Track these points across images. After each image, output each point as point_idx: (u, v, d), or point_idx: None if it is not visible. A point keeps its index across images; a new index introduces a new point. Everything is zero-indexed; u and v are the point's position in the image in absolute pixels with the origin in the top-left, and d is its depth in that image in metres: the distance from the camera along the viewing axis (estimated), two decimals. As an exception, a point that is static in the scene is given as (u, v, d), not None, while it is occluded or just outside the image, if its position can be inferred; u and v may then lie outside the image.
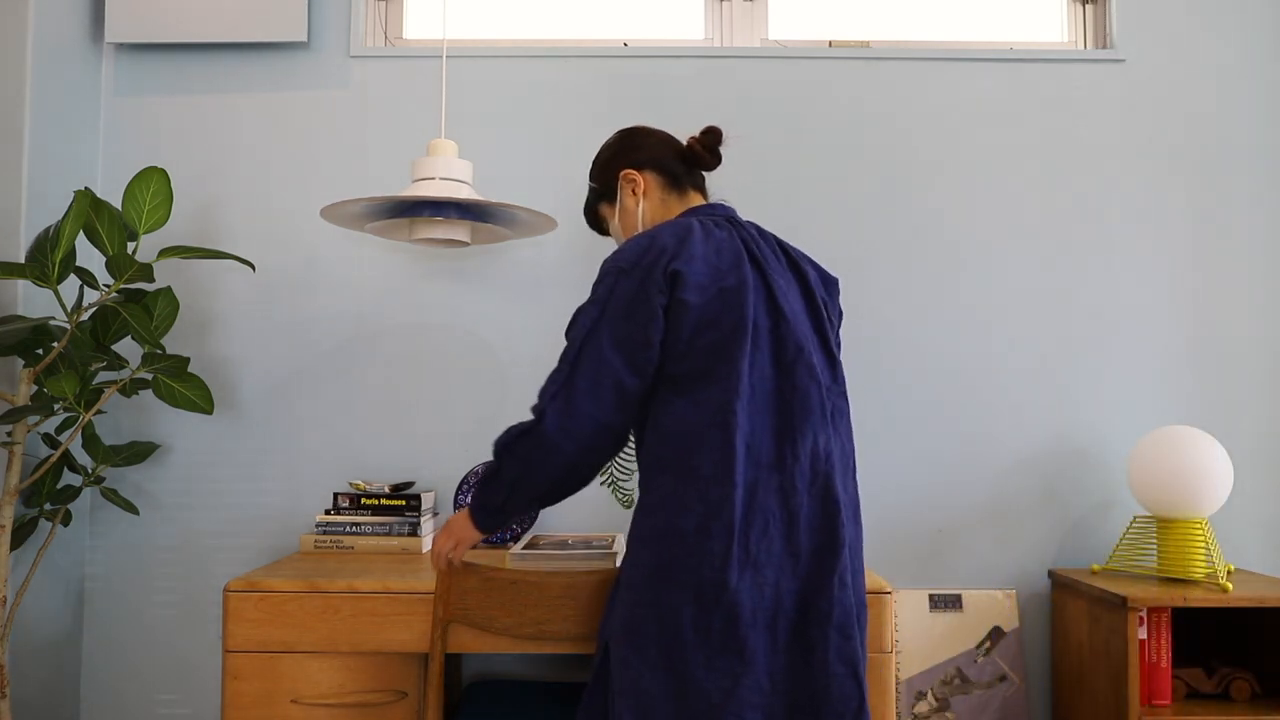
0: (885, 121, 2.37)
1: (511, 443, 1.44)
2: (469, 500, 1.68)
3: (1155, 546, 2.10)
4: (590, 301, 1.44)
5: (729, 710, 1.33)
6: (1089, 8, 2.47)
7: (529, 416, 2.32)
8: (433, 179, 1.89)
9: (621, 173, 1.63)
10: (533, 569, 1.64)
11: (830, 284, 1.60)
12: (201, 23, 2.28)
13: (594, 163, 1.71)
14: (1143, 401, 2.32)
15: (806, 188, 2.36)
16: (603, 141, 2.35)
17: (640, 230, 1.61)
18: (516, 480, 1.45)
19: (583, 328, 1.42)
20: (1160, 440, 2.07)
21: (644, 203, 1.62)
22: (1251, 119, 2.36)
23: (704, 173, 1.68)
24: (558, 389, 1.40)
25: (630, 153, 1.64)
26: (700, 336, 1.39)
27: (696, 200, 1.65)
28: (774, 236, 1.59)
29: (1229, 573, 2.14)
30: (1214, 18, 2.38)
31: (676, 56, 2.38)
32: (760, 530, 1.37)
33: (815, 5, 2.50)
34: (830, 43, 2.45)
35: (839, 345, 1.56)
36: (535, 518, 2.26)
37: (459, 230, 2.00)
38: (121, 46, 2.38)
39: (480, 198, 1.86)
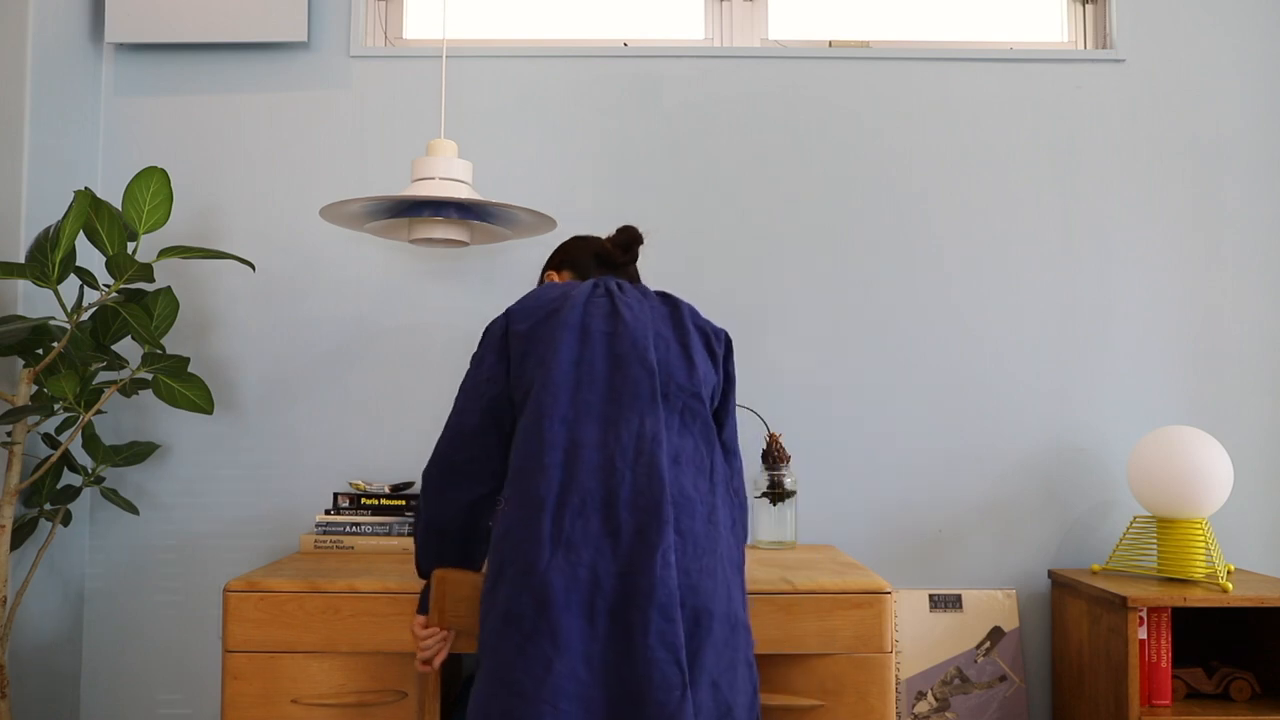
0: (885, 121, 2.37)
1: (423, 485, 1.58)
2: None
3: (1155, 546, 2.10)
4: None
5: (542, 699, 1.27)
6: (1089, 8, 2.47)
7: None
8: (432, 179, 1.89)
9: (545, 274, 1.79)
10: None
11: (713, 328, 1.61)
12: (201, 23, 2.28)
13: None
14: (1143, 401, 2.32)
15: (806, 188, 2.35)
16: (602, 141, 2.36)
17: None
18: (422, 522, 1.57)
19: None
20: (1160, 440, 2.07)
21: None
22: (1251, 119, 2.36)
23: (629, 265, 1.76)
24: (447, 431, 1.56)
25: (555, 255, 1.79)
26: (526, 357, 1.49)
27: None
28: (665, 293, 1.62)
29: (1229, 573, 2.14)
30: (1214, 18, 2.38)
31: (676, 56, 2.38)
32: (576, 510, 1.35)
33: (815, 5, 2.50)
34: (830, 43, 2.45)
35: (713, 370, 1.56)
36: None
37: (459, 230, 2.00)
38: (121, 46, 2.38)
39: (480, 198, 1.86)
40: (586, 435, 1.40)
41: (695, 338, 1.54)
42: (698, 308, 2.29)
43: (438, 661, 1.55)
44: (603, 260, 1.72)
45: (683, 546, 1.35)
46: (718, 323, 2.27)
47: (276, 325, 2.34)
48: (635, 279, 1.76)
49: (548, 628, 1.29)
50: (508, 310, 1.55)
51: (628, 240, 1.71)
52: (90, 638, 2.30)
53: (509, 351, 1.52)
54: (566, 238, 1.84)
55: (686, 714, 1.27)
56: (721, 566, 1.40)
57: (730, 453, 1.60)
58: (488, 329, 1.56)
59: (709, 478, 1.46)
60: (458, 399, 1.54)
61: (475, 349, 1.61)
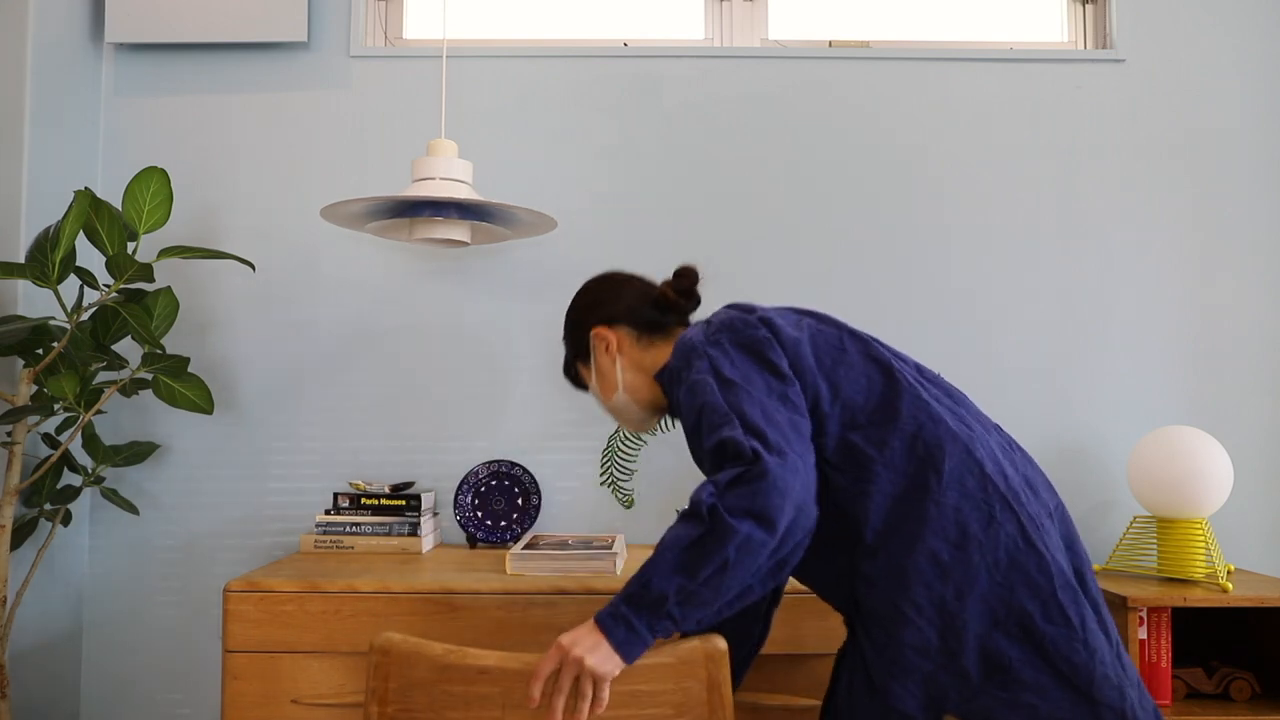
0: (885, 121, 2.37)
1: (723, 490, 1.18)
2: (633, 593, 1.20)
3: (1155, 546, 2.10)
4: (689, 386, 1.31)
5: (1127, 680, 1.26)
6: (1089, 8, 2.47)
7: (527, 416, 2.33)
8: (433, 179, 1.89)
9: (592, 331, 1.51)
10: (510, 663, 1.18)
11: None
12: (201, 23, 2.28)
13: (565, 320, 1.58)
14: (1143, 401, 2.32)
15: (806, 188, 2.35)
16: (602, 141, 2.35)
17: (620, 390, 1.50)
18: (730, 549, 1.17)
19: (710, 394, 1.27)
20: (1160, 440, 2.06)
21: (620, 359, 1.50)
22: (1251, 119, 2.36)
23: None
24: (742, 430, 1.21)
25: (598, 309, 1.52)
26: (843, 383, 1.34)
27: None
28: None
29: (1229, 573, 2.14)
30: (1214, 18, 2.38)
31: (676, 56, 2.38)
32: (1024, 494, 1.31)
33: (815, 5, 2.50)
34: (830, 43, 2.45)
35: None
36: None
37: (459, 230, 2.00)
38: (121, 46, 2.38)
39: (480, 198, 1.86)
40: (976, 427, 1.36)
41: None
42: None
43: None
44: (663, 308, 1.50)
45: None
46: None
47: (276, 325, 2.34)
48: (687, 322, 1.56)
49: (1075, 600, 1.27)
50: (740, 312, 1.36)
51: (689, 284, 1.52)
52: (90, 638, 2.30)
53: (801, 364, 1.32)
54: (597, 278, 1.58)
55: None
56: None
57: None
58: (732, 335, 1.33)
59: None
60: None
61: (698, 373, 1.31)
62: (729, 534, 1.15)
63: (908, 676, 1.25)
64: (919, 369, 1.43)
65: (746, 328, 1.33)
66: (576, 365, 1.58)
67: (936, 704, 1.26)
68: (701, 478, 1.46)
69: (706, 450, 1.24)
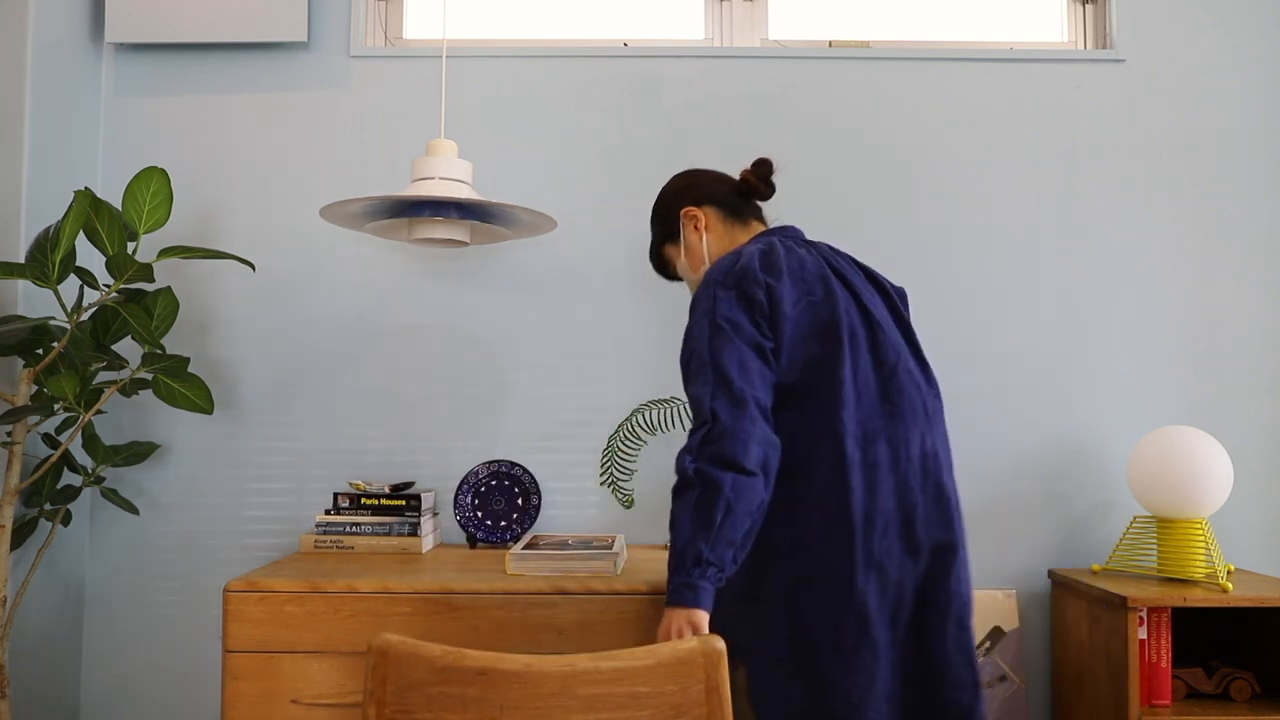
0: (885, 121, 2.37)
1: (697, 453, 1.38)
2: (675, 565, 1.37)
3: (1155, 546, 2.10)
4: (699, 315, 1.46)
5: (869, 706, 1.40)
6: (1089, 8, 2.47)
7: (527, 416, 2.33)
8: (433, 179, 1.89)
9: (682, 211, 1.69)
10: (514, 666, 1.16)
11: (902, 295, 1.68)
12: (201, 23, 2.28)
13: (654, 208, 1.75)
14: (1143, 401, 2.32)
15: (806, 188, 2.35)
16: (602, 141, 2.35)
17: (707, 264, 1.66)
18: (726, 491, 1.35)
19: (702, 339, 1.44)
20: (1160, 440, 2.07)
21: (708, 236, 1.67)
22: (1251, 119, 2.36)
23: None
24: (712, 388, 1.39)
25: (688, 191, 1.70)
26: (798, 350, 1.46)
27: (758, 228, 1.70)
28: (847, 254, 1.66)
29: (1229, 573, 2.14)
30: (1214, 18, 2.38)
31: (676, 56, 2.38)
32: (881, 532, 1.42)
33: (815, 5, 2.50)
34: (830, 43, 2.44)
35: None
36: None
37: (459, 230, 2.00)
38: (121, 46, 2.38)
39: (480, 198, 1.86)
40: (877, 454, 1.44)
41: (907, 320, 1.59)
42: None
43: None
44: (744, 193, 1.67)
45: (965, 555, 1.49)
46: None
47: (276, 325, 2.34)
48: (761, 216, 1.71)
49: (869, 645, 1.41)
50: (766, 284, 1.45)
51: (767, 171, 1.67)
52: (90, 638, 2.30)
53: (774, 334, 1.45)
54: (664, 189, 1.73)
55: (981, 712, 1.44)
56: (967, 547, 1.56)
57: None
58: (742, 289, 1.45)
59: (952, 469, 1.55)
60: (728, 342, 1.42)
61: (708, 298, 1.45)
62: (718, 484, 1.35)
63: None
64: (893, 372, 1.50)
65: (753, 284, 1.46)
66: (664, 248, 1.74)
67: None
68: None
69: (688, 394, 1.45)
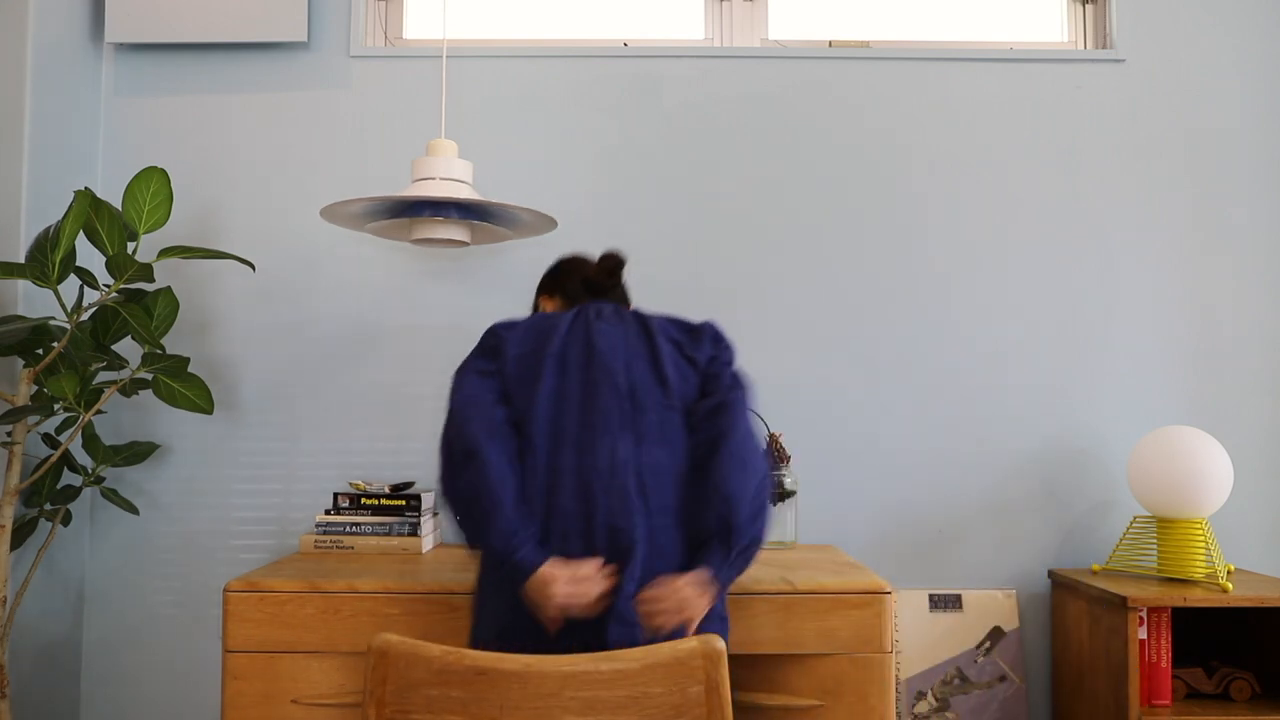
0: (885, 121, 2.37)
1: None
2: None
3: (1155, 546, 2.10)
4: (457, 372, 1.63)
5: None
6: (1089, 8, 2.47)
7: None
8: (433, 179, 1.89)
9: (538, 298, 1.86)
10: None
11: (692, 330, 1.66)
12: (201, 23, 2.28)
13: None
14: (1143, 401, 2.32)
15: (806, 188, 2.35)
16: (602, 141, 2.36)
17: None
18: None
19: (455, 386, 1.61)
20: (1160, 440, 2.07)
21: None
22: (1251, 119, 2.36)
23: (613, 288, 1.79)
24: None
25: (545, 282, 1.85)
26: (520, 383, 1.57)
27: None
28: (638, 313, 1.67)
29: (1229, 573, 2.14)
30: (1214, 18, 2.38)
31: (676, 56, 2.38)
32: (560, 536, 1.46)
33: (815, 5, 2.50)
34: (830, 43, 2.44)
35: (693, 373, 1.60)
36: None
37: (459, 230, 2.00)
38: (121, 46, 2.38)
39: (480, 198, 1.86)
40: (565, 462, 1.50)
41: (667, 352, 1.60)
42: (697, 308, 2.29)
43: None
44: (590, 287, 1.76)
45: (649, 560, 1.46)
46: (719, 322, 2.26)
47: (276, 325, 2.34)
48: (624, 300, 1.80)
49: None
50: (503, 330, 1.63)
51: (610, 267, 1.75)
52: (90, 638, 2.30)
53: (505, 370, 1.59)
54: (561, 256, 1.89)
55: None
56: (674, 554, 1.54)
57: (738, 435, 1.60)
58: (484, 343, 1.63)
59: (679, 478, 1.54)
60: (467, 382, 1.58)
61: (468, 359, 1.65)
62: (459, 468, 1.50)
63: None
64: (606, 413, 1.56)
65: (490, 337, 1.64)
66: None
67: None
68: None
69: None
